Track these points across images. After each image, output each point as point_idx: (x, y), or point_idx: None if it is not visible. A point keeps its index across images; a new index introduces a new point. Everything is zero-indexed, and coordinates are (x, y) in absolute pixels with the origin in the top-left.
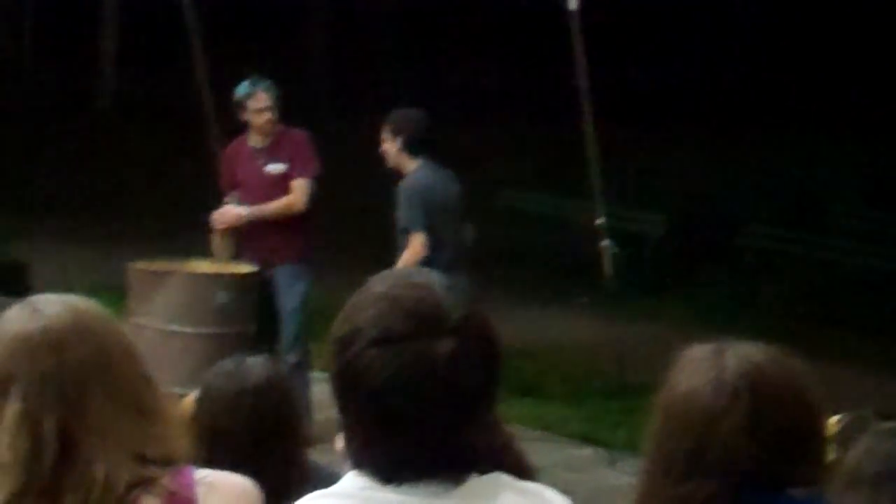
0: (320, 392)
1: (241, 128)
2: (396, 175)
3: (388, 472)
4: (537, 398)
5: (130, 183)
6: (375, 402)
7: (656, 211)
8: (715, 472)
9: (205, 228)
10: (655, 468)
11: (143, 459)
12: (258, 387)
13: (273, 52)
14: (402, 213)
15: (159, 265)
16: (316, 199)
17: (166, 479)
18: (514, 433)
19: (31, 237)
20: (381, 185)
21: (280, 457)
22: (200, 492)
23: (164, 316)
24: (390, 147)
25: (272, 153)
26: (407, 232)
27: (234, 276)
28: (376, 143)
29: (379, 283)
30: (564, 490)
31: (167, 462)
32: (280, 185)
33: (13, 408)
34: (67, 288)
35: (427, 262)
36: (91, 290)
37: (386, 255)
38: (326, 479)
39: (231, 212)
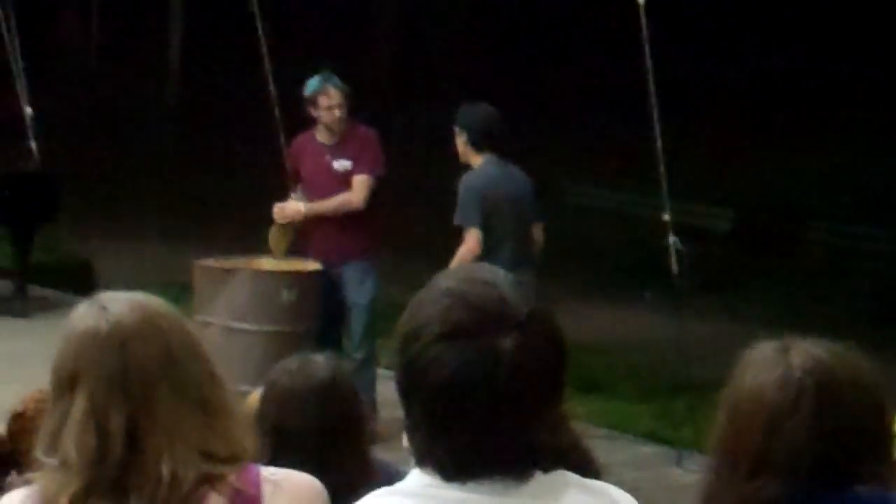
0: (386, 390)
1: (307, 123)
2: (467, 170)
3: (452, 469)
4: (603, 395)
5: (197, 181)
6: (440, 398)
7: (724, 206)
8: (781, 470)
9: (270, 224)
10: (721, 466)
11: (208, 457)
12: (323, 384)
13: (339, 48)
14: (457, 210)
15: (225, 263)
16: (379, 196)
17: (232, 477)
18: (581, 430)
19: (98, 236)
20: (451, 180)
21: (345, 454)
22: (266, 489)
23: (230, 313)
24: (459, 142)
25: (340, 150)
26: (461, 229)
27: (299, 273)
28: (446, 139)
29: (445, 280)
30: (630, 488)
31: (233, 459)
32: (346, 182)
33: (80, 405)
34: (134, 286)
35: (483, 258)
36: (158, 288)
37: (453, 252)
38: (392, 476)
39: (292, 206)
